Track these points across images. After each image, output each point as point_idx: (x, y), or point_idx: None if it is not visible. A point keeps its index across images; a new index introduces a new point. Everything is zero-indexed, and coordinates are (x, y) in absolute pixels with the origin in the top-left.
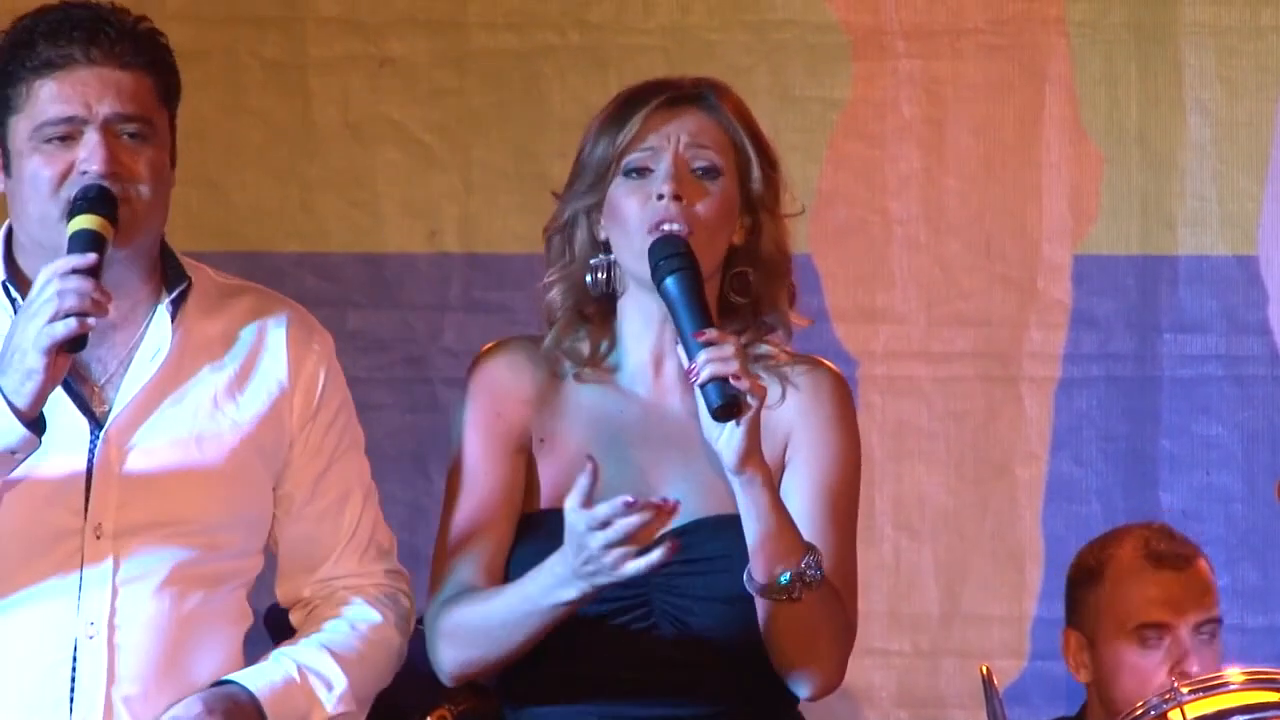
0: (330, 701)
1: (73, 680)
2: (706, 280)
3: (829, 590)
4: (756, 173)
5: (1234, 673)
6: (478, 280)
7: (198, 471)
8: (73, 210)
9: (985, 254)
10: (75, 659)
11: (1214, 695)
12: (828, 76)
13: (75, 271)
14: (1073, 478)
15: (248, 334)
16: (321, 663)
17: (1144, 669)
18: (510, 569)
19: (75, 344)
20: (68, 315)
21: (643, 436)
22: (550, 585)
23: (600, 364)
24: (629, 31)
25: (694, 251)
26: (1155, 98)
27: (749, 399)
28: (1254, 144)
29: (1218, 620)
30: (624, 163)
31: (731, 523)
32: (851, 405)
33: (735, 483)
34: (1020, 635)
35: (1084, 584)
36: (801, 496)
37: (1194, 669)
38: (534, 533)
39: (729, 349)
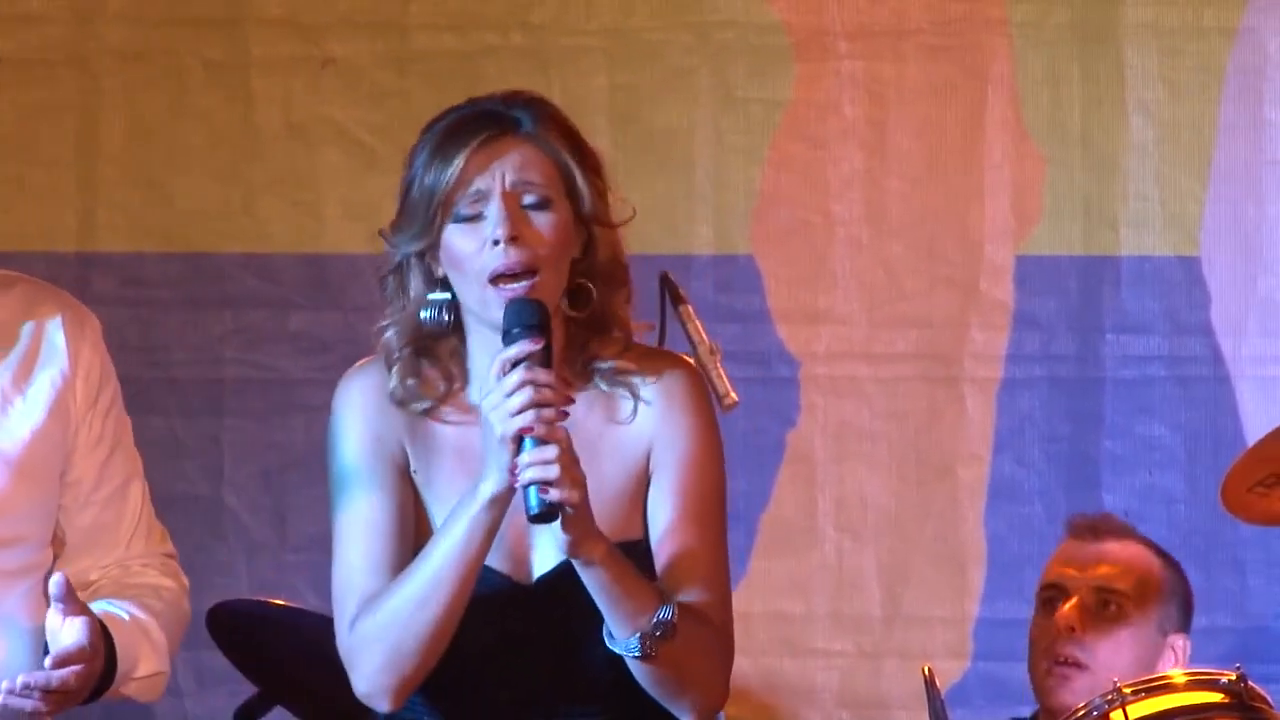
0: (154, 656)
1: None
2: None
3: (690, 625)
4: (585, 189)
5: (1176, 673)
6: None
7: None
8: None
9: (927, 255)
10: None
11: (1156, 696)
12: (770, 78)
13: None
14: (1015, 479)
15: (24, 325)
16: (144, 617)
17: (1040, 630)
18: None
19: None
20: None
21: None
22: (460, 507)
23: (454, 400)
24: (571, 33)
25: (545, 309)
26: (1098, 98)
27: (567, 508)
28: (1196, 144)
29: (1124, 595)
30: (453, 210)
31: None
32: (705, 398)
33: (573, 563)
34: (963, 636)
35: None
36: (667, 508)
37: (1085, 634)
38: None
39: (552, 452)
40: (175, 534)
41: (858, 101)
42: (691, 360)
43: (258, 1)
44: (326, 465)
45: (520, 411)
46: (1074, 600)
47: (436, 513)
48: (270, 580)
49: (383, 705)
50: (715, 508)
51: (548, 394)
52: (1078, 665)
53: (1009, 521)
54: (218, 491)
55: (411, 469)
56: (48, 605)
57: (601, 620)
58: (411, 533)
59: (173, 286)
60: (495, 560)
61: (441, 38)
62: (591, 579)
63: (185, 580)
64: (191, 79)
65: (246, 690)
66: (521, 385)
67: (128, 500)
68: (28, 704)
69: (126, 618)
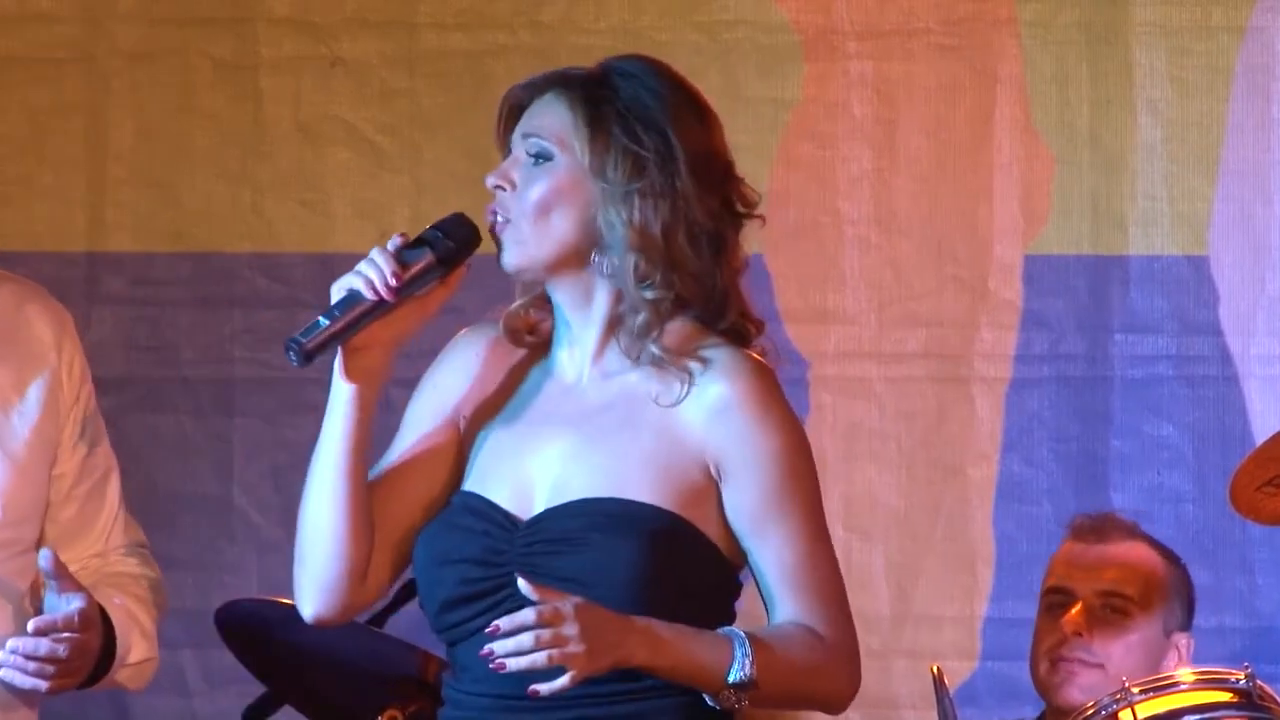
0: (144, 643)
1: None
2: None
3: (792, 656)
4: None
5: (1185, 673)
6: None
7: (3, 466)
8: None
9: (936, 255)
10: None
11: (1165, 695)
12: (779, 77)
13: None
14: (1024, 478)
15: (12, 322)
16: (133, 606)
17: (1044, 633)
18: (418, 548)
19: None
20: None
21: (552, 414)
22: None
23: (544, 337)
24: (580, 32)
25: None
26: (1106, 98)
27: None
28: (1205, 144)
29: (1129, 599)
30: None
31: (606, 505)
32: (775, 390)
33: None
34: (971, 636)
35: None
36: (751, 512)
37: (1093, 638)
38: (442, 511)
39: (527, 640)
40: (185, 533)
41: (866, 101)
42: (762, 357)
43: (267, 1)
44: None
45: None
46: (1080, 605)
47: (476, 457)
48: (280, 579)
49: (303, 609)
50: (807, 503)
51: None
52: (1084, 662)
53: (1018, 521)
54: (228, 491)
55: (463, 417)
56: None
57: (576, 561)
58: (429, 472)
59: (182, 286)
60: (503, 500)
61: (451, 37)
62: (654, 672)
63: (159, 570)
64: (200, 79)
65: (255, 690)
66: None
67: (106, 494)
68: (25, 681)
69: (118, 603)
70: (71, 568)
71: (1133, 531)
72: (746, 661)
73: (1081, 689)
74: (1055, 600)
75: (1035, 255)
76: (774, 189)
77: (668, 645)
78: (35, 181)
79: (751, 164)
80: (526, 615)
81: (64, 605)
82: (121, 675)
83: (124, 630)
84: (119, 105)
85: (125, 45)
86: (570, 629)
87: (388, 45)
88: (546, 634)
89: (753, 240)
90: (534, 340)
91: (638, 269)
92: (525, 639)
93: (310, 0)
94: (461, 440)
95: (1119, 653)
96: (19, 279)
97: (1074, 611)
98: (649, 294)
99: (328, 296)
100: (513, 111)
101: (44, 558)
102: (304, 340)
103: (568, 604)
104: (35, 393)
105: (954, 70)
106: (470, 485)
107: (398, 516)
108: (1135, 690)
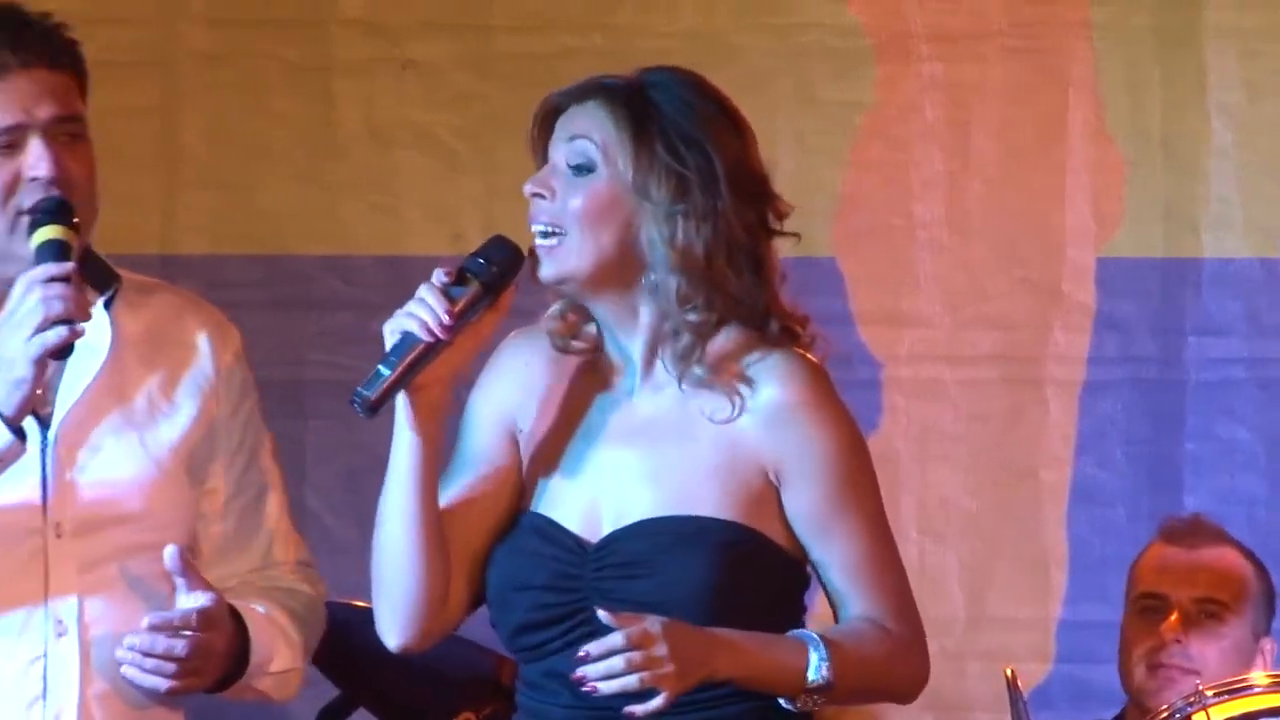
0: (289, 652)
1: (44, 680)
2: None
3: (865, 654)
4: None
5: (1259, 675)
6: None
7: (146, 468)
8: (34, 222)
9: (1009, 257)
10: (46, 658)
11: (1239, 698)
12: (851, 80)
13: (55, 279)
14: (1097, 481)
15: (172, 332)
16: (280, 616)
17: (1139, 637)
18: (490, 572)
19: (64, 351)
20: (56, 323)
21: (608, 430)
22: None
23: (590, 342)
24: (652, 34)
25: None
26: (1178, 101)
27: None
28: (1277, 146)
29: (1224, 604)
30: None
31: (676, 524)
32: (828, 389)
33: None
34: (1046, 638)
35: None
36: (813, 514)
37: (1189, 644)
38: (510, 533)
39: (618, 664)
40: None
41: (939, 104)
42: (809, 353)
43: (339, 3)
44: None
45: None
46: (1177, 612)
47: (535, 473)
48: (353, 582)
49: (387, 640)
50: (867, 498)
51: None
52: (1182, 668)
53: (1091, 524)
54: (300, 493)
55: (519, 430)
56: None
57: (652, 584)
58: (496, 491)
59: (255, 288)
60: (571, 522)
61: (523, 39)
62: (736, 681)
63: (324, 589)
64: (272, 81)
65: (330, 692)
66: None
67: (265, 509)
68: (145, 679)
69: (262, 610)
70: (230, 582)
71: (1222, 536)
72: (824, 664)
73: (1181, 695)
74: (1149, 605)
75: (1108, 258)
76: (846, 192)
77: (749, 655)
78: (108, 185)
79: (824, 167)
80: (616, 639)
81: (186, 601)
82: (264, 684)
83: (267, 638)
84: (191, 108)
85: (197, 48)
86: (660, 650)
87: (459, 47)
88: (638, 656)
89: (826, 243)
90: (580, 347)
91: (680, 292)
92: (616, 662)
93: (381, 2)
94: (520, 454)
95: (1214, 657)
96: (182, 292)
97: (1173, 619)
98: (691, 317)
99: (399, 299)
100: (549, 117)
101: (169, 555)
102: (368, 393)
103: (655, 624)
104: (186, 402)
105: (1026, 73)
106: (536, 505)
107: (469, 538)
108: (1209, 693)
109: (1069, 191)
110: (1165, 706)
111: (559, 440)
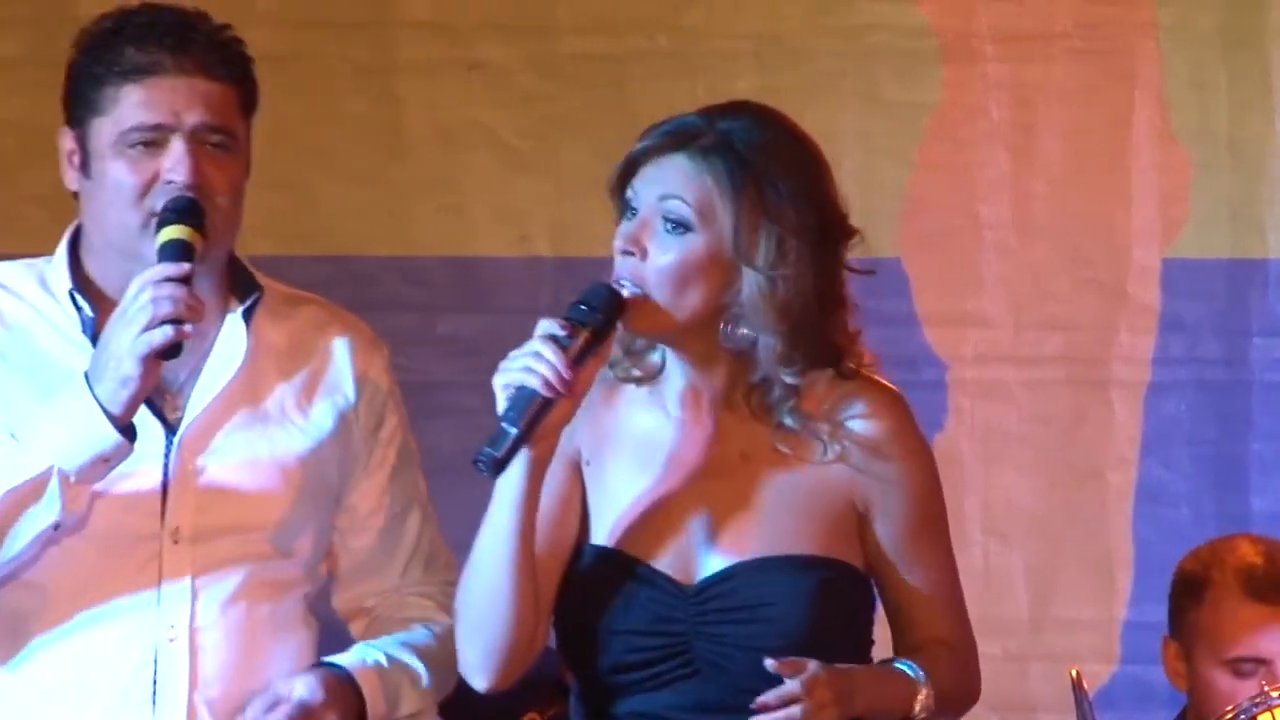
0: (415, 694)
1: (154, 684)
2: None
3: (943, 674)
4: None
5: None
6: (568, 284)
7: (271, 478)
8: (162, 220)
9: (1074, 258)
10: (156, 663)
11: None
12: (917, 80)
13: (169, 280)
14: (1162, 482)
15: (313, 344)
16: (406, 656)
17: (1238, 693)
18: (560, 605)
19: (171, 351)
20: (164, 322)
21: (685, 465)
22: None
23: (651, 372)
24: (719, 36)
25: (608, 296)
26: (1245, 102)
27: None
28: None
29: None
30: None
31: (775, 565)
32: (911, 419)
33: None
34: (1111, 640)
35: (1184, 598)
36: (900, 541)
37: None
38: (579, 567)
39: (795, 712)
40: None
41: (1004, 105)
42: (893, 386)
43: (404, 4)
44: None
45: None
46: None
47: (602, 505)
48: None
49: (475, 682)
50: (945, 524)
51: None
52: None
53: (1156, 525)
54: None
55: (584, 460)
56: (307, 624)
57: (760, 628)
58: (565, 523)
59: (319, 290)
60: (662, 563)
61: (589, 41)
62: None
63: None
64: (338, 82)
65: None
66: None
67: (405, 528)
68: None
69: (386, 662)
70: (368, 602)
71: None
72: (930, 696)
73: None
74: (1247, 669)
75: (1173, 259)
76: (912, 193)
77: (869, 689)
78: None
79: (891, 168)
80: (794, 688)
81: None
82: None
83: (392, 687)
84: (257, 109)
85: (262, 48)
86: (827, 695)
87: (526, 49)
88: (811, 704)
89: (891, 244)
90: (640, 375)
91: (779, 352)
92: (795, 711)
93: (447, 4)
94: (584, 484)
95: None
96: (332, 306)
97: (1277, 671)
98: (789, 380)
99: (466, 301)
100: (631, 164)
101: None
102: (496, 452)
103: (820, 670)
104: (323, 415)
105: (1092, 74)
106: (607, 539)
107: (551, 577)
108: (1274, 694)
109: (1134, 192)
110: (1230, 707)
111: (629, 473)
